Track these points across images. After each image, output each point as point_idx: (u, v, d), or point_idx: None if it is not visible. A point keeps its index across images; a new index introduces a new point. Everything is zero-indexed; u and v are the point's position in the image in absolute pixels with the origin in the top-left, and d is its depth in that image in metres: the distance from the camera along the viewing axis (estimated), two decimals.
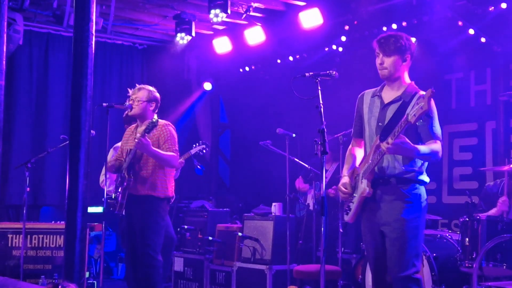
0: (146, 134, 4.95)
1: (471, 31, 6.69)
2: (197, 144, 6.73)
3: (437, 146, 3.66)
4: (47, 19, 8.19)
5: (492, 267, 4.60)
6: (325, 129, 3.65)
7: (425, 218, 3.79)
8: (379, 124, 3.76)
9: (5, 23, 4.50)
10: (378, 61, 3.81)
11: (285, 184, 6.50)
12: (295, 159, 6.65)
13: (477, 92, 7.28)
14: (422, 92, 3.68)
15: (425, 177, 3.77)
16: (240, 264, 6.60)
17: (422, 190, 3.75)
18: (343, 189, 3.86)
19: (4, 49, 4.42)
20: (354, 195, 3.82)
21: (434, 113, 3.69)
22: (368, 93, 3.95)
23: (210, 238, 6.92)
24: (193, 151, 6.67)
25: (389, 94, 3.82)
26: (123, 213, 5.09)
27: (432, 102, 3.56)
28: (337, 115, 5.83)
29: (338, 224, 6.42)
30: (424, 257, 5.09)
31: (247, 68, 9.21)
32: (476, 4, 6.26)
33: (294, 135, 6.38)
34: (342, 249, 6.57)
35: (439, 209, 6.91)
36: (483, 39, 6.71)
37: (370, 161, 3.71)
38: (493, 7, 6.29)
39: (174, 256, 7.51)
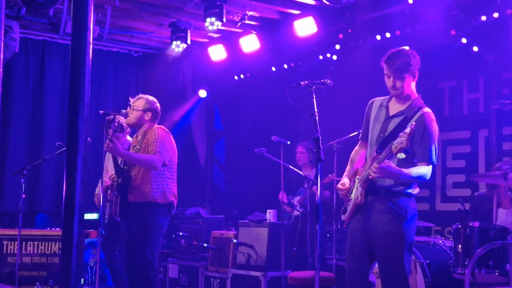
0: (112, 135, 4.82)
1: (464, 40, 6.78)
2: None
3: (426, 169, 3.74)
4: (43, 26, 8.22)
5: (484, 274, 4.64)
6: (320, 137, 3.71)
7: (413, 228, 3.87)
8: (380, 135, 3.87)
9: (2, 31, 4.52)
10: (389, 83, 3.85)
11: (280, 191, 6.53)
12: (290, 166, 6.69)
13: (469, 100, 7.34)
14: (426, 109, 3.83)
15: (414, 190, 3.86)
16: (235, 270, 6.62)
17: (410, 202, 3.84)
18: (340, 187, 3.97)
19: (1, 57, 4.44)
20: (351, 197, 3.93)
21: (432, 135, 3.79)
22: (378, 100, 4.03)
23: (205, 244, 6.94)
24: None
25: (394, 106, 3.91)
26: (118, 219, 5.07)
27: (435, 126, 3.77)
28: (331, 123, 5.86)
29: (331, 229, 6.46)
30: (417, 263, 5.13)
31: (242, 76, 9.26)
32: (468, 13, 6.32)
33: (289, 142, 6.41)
34: (336, 256, 6.60)
35: (432, 216, 6.95)
36: (475, 48, 6.79)
37: (366, 171, 3.80)
38: (485, 17, 6.37)
39: (169, 262, 7.52)
